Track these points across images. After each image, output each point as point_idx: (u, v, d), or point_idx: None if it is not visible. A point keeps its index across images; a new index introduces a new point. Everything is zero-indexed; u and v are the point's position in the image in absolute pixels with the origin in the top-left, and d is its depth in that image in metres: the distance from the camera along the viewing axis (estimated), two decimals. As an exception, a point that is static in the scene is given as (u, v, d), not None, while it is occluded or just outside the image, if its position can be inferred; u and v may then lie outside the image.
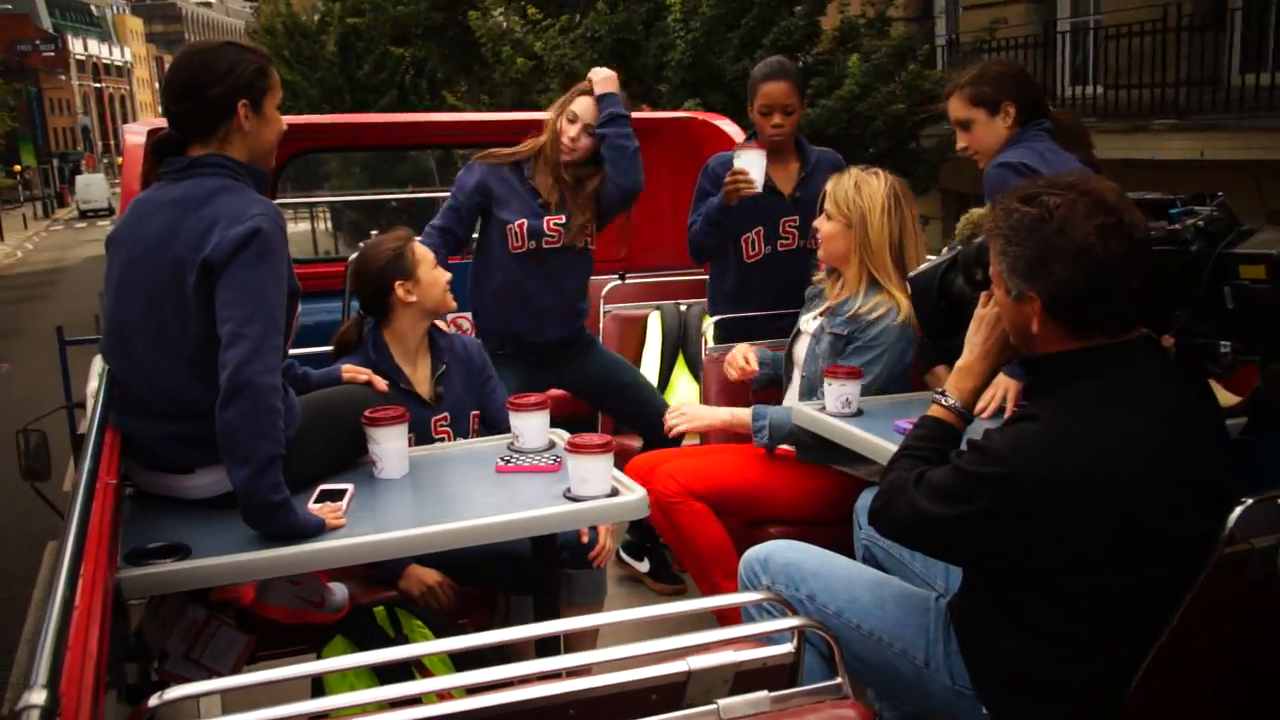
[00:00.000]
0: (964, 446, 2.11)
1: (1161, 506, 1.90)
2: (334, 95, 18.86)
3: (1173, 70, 10.07)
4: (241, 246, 2.27)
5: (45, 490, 3.88)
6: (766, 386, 3.72)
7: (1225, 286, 2.06)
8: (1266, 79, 9.56)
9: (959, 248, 2.74)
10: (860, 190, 3.32)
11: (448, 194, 3.97)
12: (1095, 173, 3.12)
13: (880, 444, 2.72)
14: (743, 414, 3.43)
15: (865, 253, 3.30)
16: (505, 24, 12.47)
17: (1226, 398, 2.46)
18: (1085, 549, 1.92)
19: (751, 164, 3.70)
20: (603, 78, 3.85)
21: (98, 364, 5.28)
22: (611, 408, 4.19)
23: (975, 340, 2.28)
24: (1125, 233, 1.93)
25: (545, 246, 3.84)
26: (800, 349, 3.49)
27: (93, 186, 51.17)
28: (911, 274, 2.73)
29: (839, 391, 3.01)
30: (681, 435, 3.65)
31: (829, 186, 3.39)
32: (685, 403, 3.46)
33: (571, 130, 3.80)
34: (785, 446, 3.37)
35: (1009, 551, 1.98)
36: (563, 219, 3.84)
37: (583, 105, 3.81)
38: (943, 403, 2.26)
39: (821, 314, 3.44)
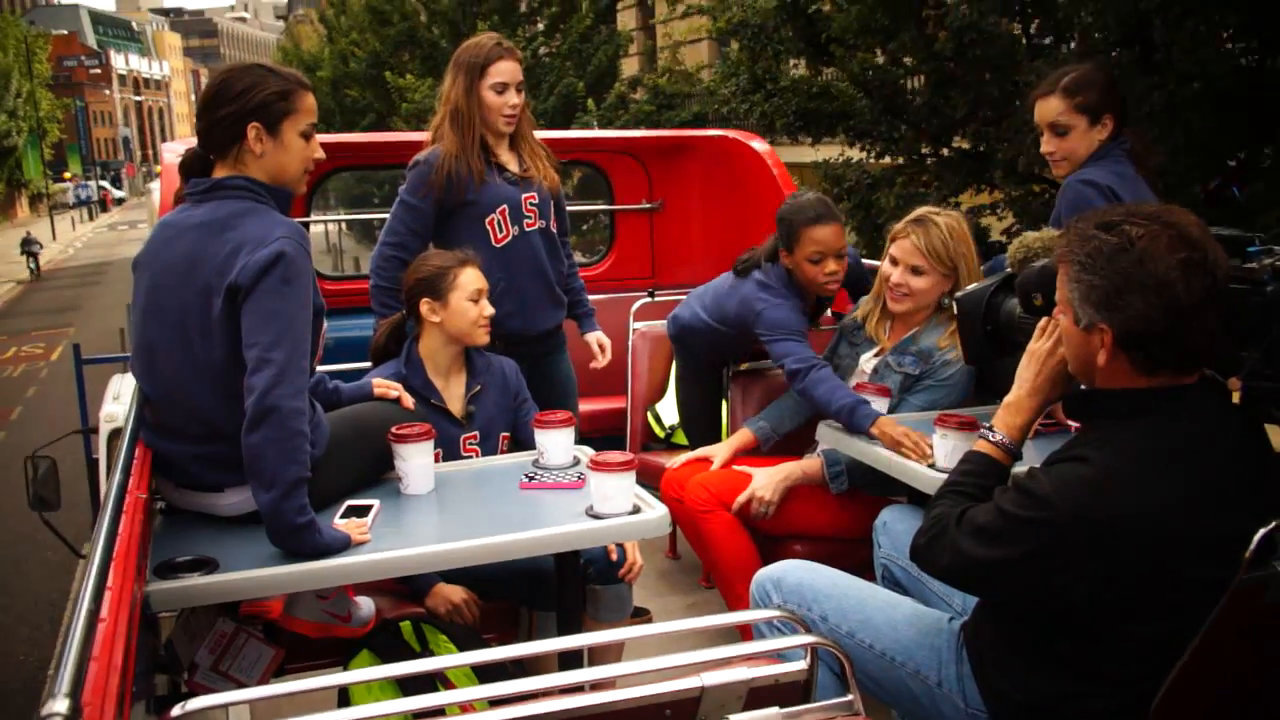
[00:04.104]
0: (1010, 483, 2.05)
1: (1207, 559, 1.85)
2: (329, 116, 22.92)
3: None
4: (266, 270, 2.28)
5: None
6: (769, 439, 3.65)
7: None
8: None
9: (1008, 270, 2.70)
10: (953, 237, 3.23)
11: None
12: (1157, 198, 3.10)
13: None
14: (809, 463, 3.42)
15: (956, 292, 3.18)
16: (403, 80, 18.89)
17: None
18: (1124, 596, 1.88)
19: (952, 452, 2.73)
20: None
21: (114, 384, 5.30)
22: None
23: (1026, 375, 2.19)
24: (1208, 270, 1.84)
25: (526, 229, 3.65)
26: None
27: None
28: (958, 294, 2.70)
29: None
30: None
31: (914, 241, 3.22)
32: (756, 485, 3.36)
33: (512, 99, 3.60)
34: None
35: (1046, 593, 1.93)
36: (535, 197, 3.66)
37: (505, 70, 3.59)
38: (990, 438, 2.19)
39: (880, 353, 3.40)
